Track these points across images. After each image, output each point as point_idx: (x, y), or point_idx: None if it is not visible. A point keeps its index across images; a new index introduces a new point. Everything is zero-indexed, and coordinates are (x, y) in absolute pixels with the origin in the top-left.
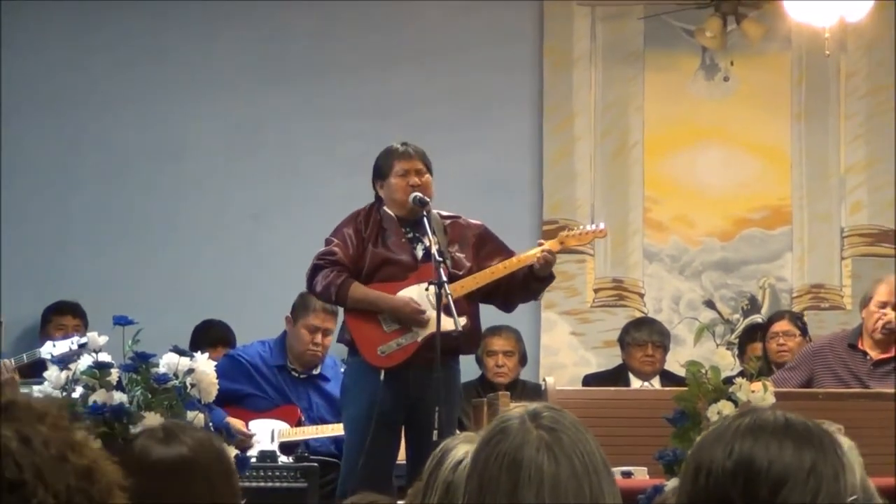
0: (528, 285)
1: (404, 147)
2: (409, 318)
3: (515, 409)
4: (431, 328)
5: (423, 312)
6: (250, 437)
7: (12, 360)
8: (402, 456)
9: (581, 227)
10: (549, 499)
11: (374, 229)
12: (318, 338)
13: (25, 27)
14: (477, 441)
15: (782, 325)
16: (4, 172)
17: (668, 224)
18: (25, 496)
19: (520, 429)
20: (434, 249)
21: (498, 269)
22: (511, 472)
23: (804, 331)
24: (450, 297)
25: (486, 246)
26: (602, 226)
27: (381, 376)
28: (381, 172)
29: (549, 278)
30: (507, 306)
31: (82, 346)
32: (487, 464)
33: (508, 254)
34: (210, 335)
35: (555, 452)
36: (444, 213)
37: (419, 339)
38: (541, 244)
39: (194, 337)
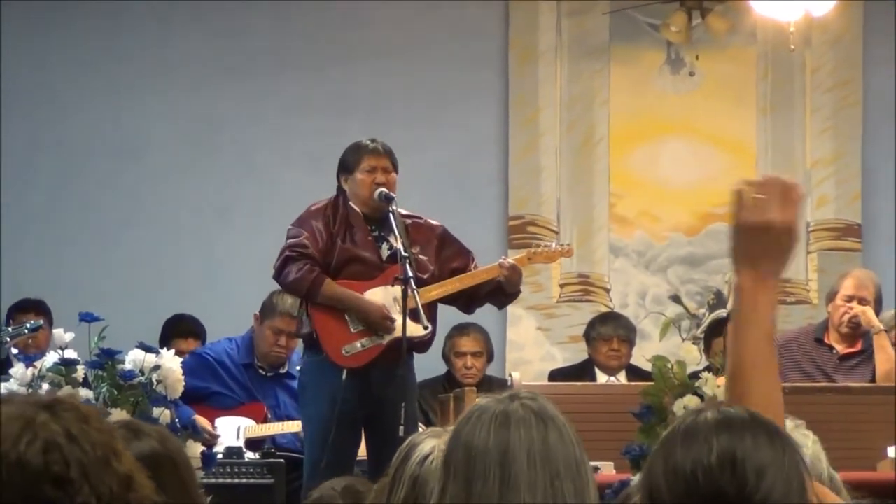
0: (496, 298)
1: (374, 144)
2: (378, 325)
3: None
4: (397, 332)
5: (393, 321)
6: (216, 435)
7: None
8: (362, 452)
9: (550, 244)
10: (539, 459)
11: (342, 225)
12: (283, 340)
13: None
14: (453, 428)
15: None
16: None
17: (634, 219)
18: (70, 493)
19: (500, 402)
20: (400, 245)
21: (465, 279)
22: (501, 433)
23: None
24: (417, 299)
25: (447, 248)
26: (569, 245)
27: (344, 375)
28: (347, 166)
29: (517, 293)
30: (469, 310)
31: (34, 330)
32: (474, 432)
33: (468, 255)
34: (181, 327)
35: (543, 417)
36: (404, 212)
37: (384, 343)
38: (504, 258)
39: (165, 329)
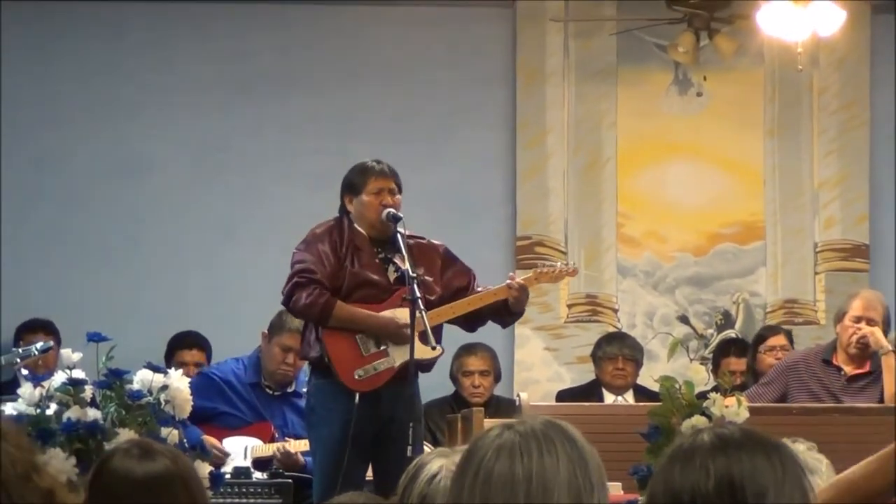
0: (501, 318)
1: (380, 165)
2: (396, 337)
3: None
4: (407, 355)
5: (407, 328)
6: (225, 454)
7: None
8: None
9: (556, 263)
10: (524, 489)
11: (349, 248)
12: (290, 358)
13: None
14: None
15: (779, 340)
16: None
17: (642, 239)
18: None
19: (489, 433)
20: (407, 266)
21: (474, 301)
22: (488, 463)
23: (792, 347)
24: (426, 321)
25: (450, 268)
26: (574, 265)
27: (357, 399)
28: (354, 188)
29: (522, 313)
30: (472, 329)
31: (45, 351)
32: (467, 463)
33: (469, 273)
34: (186, 340)
35: (513, 453)
36: (407, 233)
37: (395, 366)
38: (511, 277)
39: (171, 343)
